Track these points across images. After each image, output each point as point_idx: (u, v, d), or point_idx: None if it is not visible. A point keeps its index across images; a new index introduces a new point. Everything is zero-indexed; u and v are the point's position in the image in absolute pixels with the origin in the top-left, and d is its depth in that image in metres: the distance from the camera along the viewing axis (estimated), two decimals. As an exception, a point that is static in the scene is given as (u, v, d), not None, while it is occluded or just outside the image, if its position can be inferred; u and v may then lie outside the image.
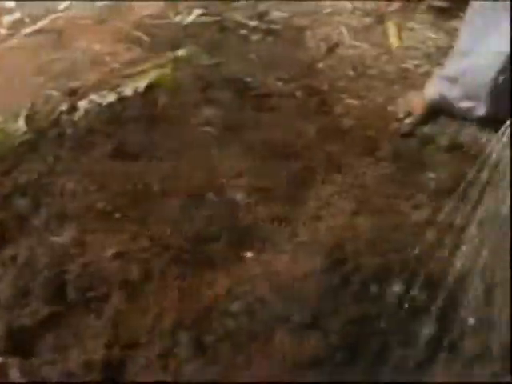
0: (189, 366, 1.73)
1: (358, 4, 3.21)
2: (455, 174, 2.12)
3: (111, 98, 2.62)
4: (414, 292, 1.72)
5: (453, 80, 2.42)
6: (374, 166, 2.07)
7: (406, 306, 1.70)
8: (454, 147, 2.40)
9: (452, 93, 2.45)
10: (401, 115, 2.55)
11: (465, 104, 2.42)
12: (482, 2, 2.27)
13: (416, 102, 2.55)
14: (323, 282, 1.74)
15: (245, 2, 3.29)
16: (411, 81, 2.74)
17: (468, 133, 2.51)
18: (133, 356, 1.77)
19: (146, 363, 1.75)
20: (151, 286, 1.86)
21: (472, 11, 2.31)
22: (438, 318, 1.72)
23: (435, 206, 1.94)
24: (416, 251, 1.80)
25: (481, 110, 2.37)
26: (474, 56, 2.39)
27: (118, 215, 1.99)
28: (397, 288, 1.71)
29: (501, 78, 2.32)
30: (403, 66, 2.82)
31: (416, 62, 2.84)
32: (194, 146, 2.16)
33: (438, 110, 2.54)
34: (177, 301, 1.83)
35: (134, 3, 3.29)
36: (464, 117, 2.49)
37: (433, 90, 2.51)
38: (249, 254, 1.88)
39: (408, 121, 2.53)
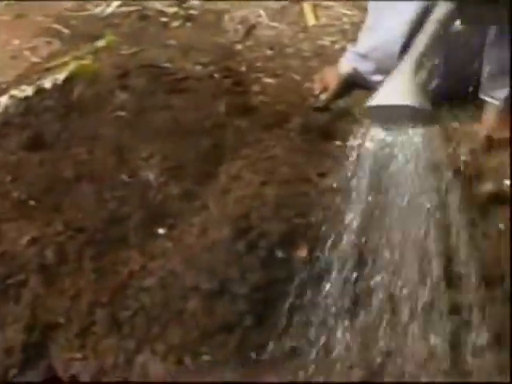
0: (106, 342, 1.78)
1: (275, -15, 3.27)
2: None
3: (30, 91, 2.65)
4: (319, 255, 1.79)
5: (363, 54, 2.52)
6: (284, 138, 2.14)
7: (312, 269, 1.77)
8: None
9: (364, 67, 2.54)
10: (316, 91, 2.63)
11: (376, 77, 2.51)
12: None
13: (330, 77, 2.63)
14: (230, 251, 1.80)
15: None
16: (327, 57, 2.82)
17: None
18: (52, 337, 1.81)
19: (65, 343, 1.80)
20: (67, 268, 1.92)
21: None
22: (342, 279, 1.79)
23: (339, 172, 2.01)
24: (321, 216, 1.87)
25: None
26: (381, 30, 2.48)
27: (32, 203, 2.04)
28: (302, 252, 1.78)
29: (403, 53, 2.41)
30: (319, 43, 2.90)
31: (332, 39, 2.92)
32: (108, 131, 2.20)
33: (352, 84, 2.63)
34: (93, 281, 1.89)
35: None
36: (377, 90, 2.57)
37: (346, 64, 2.60)
38: (161, 231, 1.93)
39: (323, 96, 2.61)
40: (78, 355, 1.79)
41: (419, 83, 1.58)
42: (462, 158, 2.36)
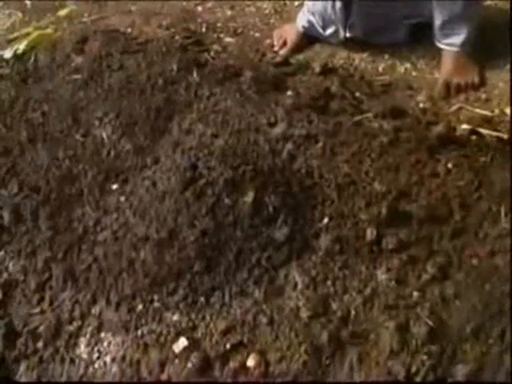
0: (63, 295, 1.84)
1: None
2: (315, 91, 2.24)
3: (-9, 61, 2.69)
4: (266, 200, 1.84)
5: (314, 9, 2.55)
6: (236, 92, 2.18)
7: (259, 213, 1.82)
8: (326, 71, 2.52)
9: (317, 21, 2.57)
10: (276, 47, 2.66)
11: (329, 30, 2.55)
12: None
13: (289, 32, 2.66)
14: (179, 200, 1.85)
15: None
16: (287, 14, 2.86)
17: (341, 57, 2.63)
18: (11, 295, 1.87)
19: (23, 299, 1.85)
20: (23, 228, 1.96)
21: None
22: (290, 221, 1.84)
23: (290, 120, 2.05)
24: (268, 162, 1.92)
25: (341, 34, 2.50)
26: None
27: (-13, 166, 2.09)
28: (248, 197, 1.83)
29: (337, 3, 2.45)
30: (279, 1, 2.92)
31: (291, -5, 2.94)
32: (63, 93, 2.25)
33: (311, 38, 2.66)
34: (48, 238, 1.93)
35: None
36: (333, 42, 2.62)
37: (303, 18, 2.63)
38: (114, 186, 1.99)
39: (282, 51, 2.64)
40: (36, 310, 1.83)
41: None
42: (421, 105, 2.39)
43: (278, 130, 2.02)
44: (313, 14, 2.53)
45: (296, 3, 2.87)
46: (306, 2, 2.70)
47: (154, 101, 2.14)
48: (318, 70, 2.51)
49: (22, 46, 2.76)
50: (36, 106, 2.21)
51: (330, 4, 2.44)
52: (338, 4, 2.39)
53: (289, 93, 2.19)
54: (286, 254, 1.80)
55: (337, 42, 2.55)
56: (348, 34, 2.47)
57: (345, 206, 1.88)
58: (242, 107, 2.08)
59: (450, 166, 1.99)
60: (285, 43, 2.63)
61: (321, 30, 2.55)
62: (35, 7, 3.04)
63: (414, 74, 2.57)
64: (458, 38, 2.38)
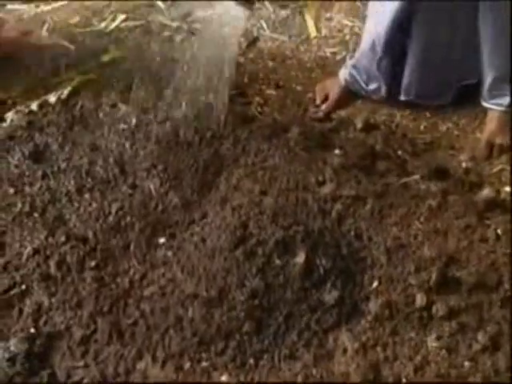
0: (107, 350, 1.83)
1: (278, -3, 3.34)
2: (361, 149, 2.25)
3: (35, 106, 2.72)
4: (316, 262, 1.83)
5: (353, 65, 2.57)
6: (284, 148, 2.19)
7: (309, 275, 1.82)
8: (368, 127, 2.53)
9: (359, 76, 2.59)
10: (318, 101, 2.68)
11: (371, 86, 2.57)
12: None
13: (331, 87, 2.68)
14: (229, 259, 1.85)
15: (169, 3, 3.40)
16: (329, 68, 2.88)
17: (383, 113, 2.65)
18: (54, 346, 1.86)
19: (67, 351, 1.84)
20: (69, 278, 1.96)
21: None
22: (340, 284, 1.84)
23: (338, 180, 2.06)
24: (318, 223, 1.92)
25: (383, 91, 2.51)
26: (369, 38, 2.54)
27: (36, 215, 2.10)
28: (299, 259, 1.83)
29: (384, 61, 2.47)
30: (321, 54, 2.96)
31: (333, 50, 2.98)
32: (109, 142, 2.27)
33: (353, 94, 2.68)
34: (94, 290, 1.93)
35: (58, 13, 3.39)
36: (375, 98, 2.64)
37: (345, 74, 2.65)
38: (161, 240, 1.99)
39: (324, 106, 2.66)
40: (80, 363, 1.82)
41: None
42: (463, 164, 2.40)
43: (327, 189, 2.02)
44: (356, 68, 2.53)
45: (338, 57, 2.88)
46: (348, 57, 2.71)
47: (202, 155, 2.14)
48: (359, 126, 2.52)
49: (66, 91, 2.78)
50: (83, 153, 2.22)
51: (376, 60, 2.45)
52: (385, 61, 2.40)
53: (336, 151, 2.18)
54: (335, 317, 1.80)
55: (379, 99, 2.55)
56: (402, 98, 2.47)
57: (394, 270, 1.88)
58: (290, 164, 2.09)
59: (499, 231, 1.97)
60: (326, 98, 2.65)
61: (363, 85, 2.55)
62: (79, 51, 3.07)
63: (456, 132, 2.58)
64: (506, 99, 2.39)
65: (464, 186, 2.23)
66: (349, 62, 2.65)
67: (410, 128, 2.58)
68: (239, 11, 2.26)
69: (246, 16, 2.25)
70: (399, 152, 2.42)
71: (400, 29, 2.40)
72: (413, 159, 2.37)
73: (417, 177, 2.13)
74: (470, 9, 2.27)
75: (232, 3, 2.24)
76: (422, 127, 2.59)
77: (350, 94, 2.67)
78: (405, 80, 2.50)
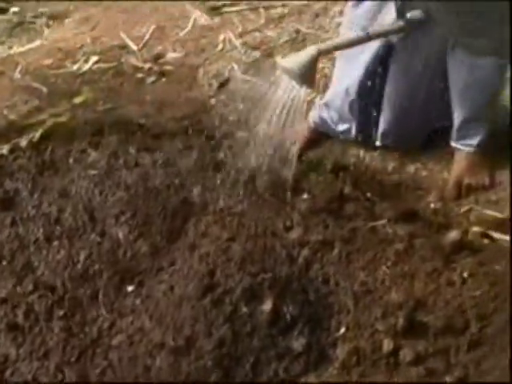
0: (75, 401, 1.82)
1: (249, 39, 3.39)
2: (329, 193, 2.28)
3: (6, 150, 2.73)
4: (283, 309, 1.85)
5: (325, 103, 2.62)
6: (253, 193, 2.21)
7: (276, 322, 1.83)
8: (338, 169, 2.56)
9: (330, 117, 2.63)
10: (288, 143, 2.71)
11: (341, 127, 2.61)
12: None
13: (301, 129, 2.72)
14: (196, 307, 1.86)
15: (141, 45, 3.45)
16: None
17: (352, 154, 2.68)
18: (22, 397, 1.85)
19: (34, 403, 1.84)
20: (37, 328, 1.96)
21: None
22: (307, 331, 1.85)
23: (307, 225, 2.08)
24: (285, 269, 1.94)
25: (353, 132, 2.55)
26: (341, 80, 2.58)
27: (4, 262, 2.10)
28: (266, 306, 1.84)
29: (357, 103, 2.52)
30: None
31: (304, 91, 3.00)
32: (79, 188, 2.28)
33: (322, 135, 2.72)
34: (62, 340, 1.93)
35: (32, 54, 3.42)
36: (345, 138, 2.68)
37: (315, 115, 2.69)
38: (130, 288, 1.99)
39: (295, 148, 2.69)
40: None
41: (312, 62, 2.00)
42: (432, 205, 2.43)
43: (295, 235, 2.05)
44: (328, 108, 2.57)
45: (309, 98, 2.91)
46: (318, 98, 2.75)
47: (170, 201, 2.16)
48: (329, 168, 2.54)
49: (37, 134, 2.80)
50: (52, 200, 2.23)
51: (348, 102, 2.48)
52: (357, 104, 2.44)
53: (304, 196, 2.21)
54: (303, 364, 1.80)
55: (349, 140, 2.59)
56: (378, 143, 2.54)
57: (361, 315, 1.89)
58: (259, 210, 2.11)
59: (465, 274, 2.00)
60: (296, 140, 2.67)
61: (334, 126, 2.59)
62: (51, 93, 3.09)
63: (424, 173, 2.61)
64: (475, 140, 2.44)
65: (432, 228, 2.25)
66: (319, 103, 2.69)
67: (379, 169, 2.61)
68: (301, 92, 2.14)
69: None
70: (368, 194, 2.44)
71: (375, 74, 2.44)
72: (381, 201, 2.39)
73: (383, 221, 2.14)
74: (443, 54, 2.32)
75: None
76: (390, 168, 2.61)
77: (319, 136, 2.70)
78: (381, 126, 2.54)
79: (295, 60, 1.99)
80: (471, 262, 2.07)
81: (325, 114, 2.63)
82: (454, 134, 2.51)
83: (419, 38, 2.36)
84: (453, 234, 2.17)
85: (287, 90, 2.11)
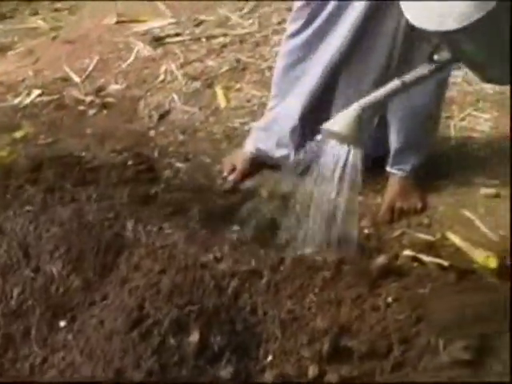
0: None
1: (190, 69, 3.50)
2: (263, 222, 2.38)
3: None
4: (211, 339, 1.94)
5: (264, 128, 2.71)
6: (185, 225, 2.30)
7: (204, 353, 1.91)
8: (274, 197, 2.66)
9: (266, 143, 2.73)
10: (225, 173, 2.81)
11: (279, 152, 2.70)
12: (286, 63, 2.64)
13: (237, 158, 2.82)
14: (125, 341, 1.94)
15: (84, 78, 3.53)
16: (237, 139, 3.02)
17: (289, 181, 2.78)
18: None
19: None
20: (-31, 367, 2.02)
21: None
22: (235, 359, 1.94)
23: (237, 255, 2.18)
24: (214, 300, 2.03)
25: (291, 158, 2.67)
26: (282, 105, 2.69)
27: None
28: (193, 338, 1.93)
29: (301, 125, 2.62)
30: (230, 125, 3.10)
31: (241, 121, 3.12)
32: (14, 226, 2.35)
33: (259, 163, 2.82)
34: (-6, 377, 1.99)
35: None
36: (282, 165, 2.77)
37: (251, 143, 2.79)
38: (62, 323, 2.07)
39: (231, 177, 2.78)
40: None
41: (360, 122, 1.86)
42: (365, 231, 2.54)
43: (224, 266, 2.13)
44: (266, 133, 2.69)
45: (246, 127, 3.02)
46: (253, 128, 2.85)
47: (104, 235, 2.23)
48: (265, 196, 2.64)
49: (-25, 170, 2.85)
50: (-13, 239, 2.29)
51: (289, 128, 2.62)
52: (298, 130, 2.53)
53: (235, 227, 2.31)
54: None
55: (288, 167, 2.67)
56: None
57: (288, 342, 1.98)
58: (189, 242, 2.19)
59: (390, 299, 2.10)
60: (233, 169, 2.77)
61: (271, 153, 2.68)
62: (-9, 128, 3.15)
63: (358, 198, 2.71)
64: (409, 165, 2.56)
65: (363, 253, 2.35)
66: (254, 130, 2.78)
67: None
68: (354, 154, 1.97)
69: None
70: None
71: (318, 100, 2.55)
72: (315, 228, 2.48)
73: (311, 250, 2.24)
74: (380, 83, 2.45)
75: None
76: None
77: (256, 164, 2.79)
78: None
79: (340, 122, 1.87)
80: (396, 286, 2.16)
81: (261, 142, 2.71)
82: (389, 159, 2.62)
83: (363, 71, 2.49)
84: (380, 259, 2.28)
85: (337, 155, 1.97)
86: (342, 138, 1.87)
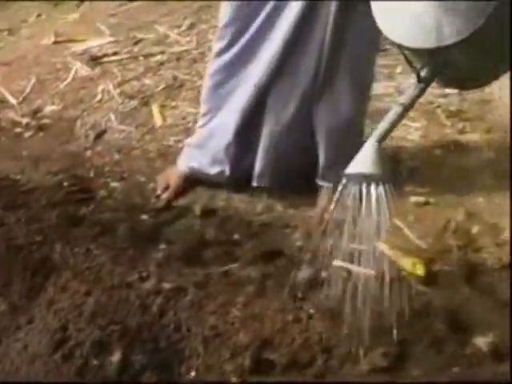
0: None
1: (127, 88, 3.56)
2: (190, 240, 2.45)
3: None
4: (133, 358, 2.00)
5: (198, 144, 2.80)
6: (112, 246, 2.37)
7: (125, 371, 1.98)
8: (206, 213, 2.73)
9: (200, 161, 2.79)
10: (159, 191, 2.87)
11: (213, 169, 2.77)
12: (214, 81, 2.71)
13: (171, 176, 2.88)
14: (48, 363, 2.00)
15: (21, 99, 3.58)
16: (172, 156, 3.08)
17: (221, 198, 2.86)
18: None
19: None
20: None
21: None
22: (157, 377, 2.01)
23: (163, 273, 2.25)
24: (137, 319, 2.10)
25: (226, 175, 2.75)
26: (214, 122, 2.75)
27: None
28: (115, 357, 1.99)
29: (232, 146, 2.70)
30: (164, 143, 3.17)
31: (176, 138, 3.19)
32: None
33: (193, 180, 2.88)
34: None
35: None
36: (216, 182, 2.84)
37: (184, 161, 2.85)
38: (-12, 349, 2.12)
39: (165, 195, 2.85)
40: None
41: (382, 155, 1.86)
42: (297, 243, 2.62)
43: (149, 284, 2.19)
44: (199, 151, 2.76)
45: (180, 145, 3.09)
46: (185, 145, 2.92)
47: (32, 258, 2.29)
48: (198, 213, 2.71)
49: None
50: None
51: (223, 145, 2.69)
52: (233, 147, 2.65)
53: (161, 245, 2.38)
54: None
55: (221, 183, 2.77)
56: (254, 184, 2.70)
57: (211, 358, 2.05)
58: (116, 262, 2.26)
59: (312, 310, 2.18)
60: (167, 187, 2.83)
61: (205, 170, 2.76)
62: None
63: (291, 211, 2.79)
64: (338, 178, 2.63)
65: (295, 265, 2.43)
66: (187, 148, 2.84)
67: (248, 210, 2.79)
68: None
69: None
70: (235, 236, 2.62)
71: (252, 115, 2.63)
72: (248, 242, 2.56)
73: (235, 265, 2.32)
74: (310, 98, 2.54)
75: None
76: (258, 209, 2.79)
77: (190, 181, 2.86)
78: (257, 167, 2.70)
79: (365, 162, 1.86)
80: (319, 297, 2.24)
81: (194, 159, 2.77)
82: (319, 171, 2.71)
83: (291, 86, 2.57)
84: (305, 272, 2.36)
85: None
86: (369, 178, 1.86)
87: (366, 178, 1.86)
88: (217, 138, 2.75)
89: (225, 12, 2.58)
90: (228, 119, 2.70)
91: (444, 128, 3.19)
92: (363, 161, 1.85)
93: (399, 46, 1.96)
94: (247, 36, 2.56)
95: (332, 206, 2.12)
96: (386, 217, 1.93)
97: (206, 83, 2.77)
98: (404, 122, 3.10)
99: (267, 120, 2.66)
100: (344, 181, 1.95)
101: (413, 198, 2.81)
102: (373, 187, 1.88)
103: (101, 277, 2.23)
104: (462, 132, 3.18)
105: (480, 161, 3.01)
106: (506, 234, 2.66)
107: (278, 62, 2.55)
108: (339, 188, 2.39)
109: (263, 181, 2.75)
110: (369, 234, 2.05)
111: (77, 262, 2.31)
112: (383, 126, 1.91)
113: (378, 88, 3.24)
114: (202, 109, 2.80)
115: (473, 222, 2.72)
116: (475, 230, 2.68)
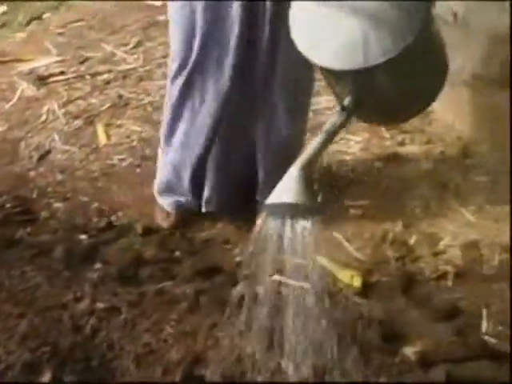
0: None
1: (73, 107, 3.62)
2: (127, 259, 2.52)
3: None
4: (63, 378, 2.06)
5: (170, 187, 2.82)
6: (48, 267, 2.42)
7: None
8: (147, 232, 2.79)
9: (178, 198, 2.82)
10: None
11: (194, 201, 2.80)
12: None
13: (158, 214, 2.89)
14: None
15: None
16: (115, 176, 3.14)
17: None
18: None
19: None
20: None
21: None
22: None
23: (97, 294, 2.31)
24: (70, 339, 2.15)
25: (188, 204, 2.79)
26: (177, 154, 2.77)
27: None
28: (45, 378, 2.05)
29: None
30: (108, 162, 3.23)
31: (120, 157, 3.25)
32: None
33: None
34: None
35: None
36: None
37: (165, 202, 2.87)
38: None
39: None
40: None
41: (307, 183, 1.78)
42: (237, 258, 2.69)
43: (83, 305, 2.25)
44: (172, 189, 2.77)
45: (124, 164, 3.15)
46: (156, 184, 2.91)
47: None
48: (139, 231, 2.78)
49: None
50: None
51: (181, 175, 2.70)
52: (186, 175, 2.68)
53: (97, 265, 2.44)
54: None
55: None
56: (204, 209, 2.74)
57: (143, 376, 2.11)
58: (51, 284, 2.31)
59: (243, 326, 2.25)
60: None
61: (188, 205, 2.80)
62: None
63: (233, 227, 2.86)
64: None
65: (232, 281, 2.50)
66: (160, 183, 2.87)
67: (190, 227, 2.85)
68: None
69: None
70: (177, 253, 2.68)
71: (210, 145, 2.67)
72: (187, 259, 2.63)
73: (169, 283, 2.38)
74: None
75: None
76: (200, 225, 2.86)
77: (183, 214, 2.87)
78: (205, 193, 2.75)
79: (282, 192, 1.78)
80: (252, 313, 2.31)
81: (172, 198, 2.82)
82: (259, 189, 2.79)
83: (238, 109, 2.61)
84: (239, 287, 2.42)
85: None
86: (291, 208, 1.76)
87: (289, 209, 1.77)
88: (183, 167, 2.75)
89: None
90: (194, 146, 2.71)
91: (384, 140, 3.26)
92: (285, 190, 1.77)
93: (325, 74, 2.00)
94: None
95: (252, 238, 2.12)
96: (308, 251, 1.89)
97: (165, 113, 2.77)
98: (345, 135, 3.21)
99: (216, 148, 2.72)
100: (264, 211, 1.86)
101: (352, 211, 2.88)
102: (295, 218, 1.79)
103: (36, 298, 2.28)
104: (401, 144, 3.26)
105: (418, 172, 3.09)
106: (443, 243, 2.75)
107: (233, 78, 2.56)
108: (259, 220, 2.52)
109: (211, 206, 2.79)
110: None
111: (12, 284, 2.34)
112: (307, 153, 1.88)
113: (319, 102, 3.31)
114: (162, 143, 2.82)
115: (410, 232, 2.80)
116: (412, 240, 2.75)
